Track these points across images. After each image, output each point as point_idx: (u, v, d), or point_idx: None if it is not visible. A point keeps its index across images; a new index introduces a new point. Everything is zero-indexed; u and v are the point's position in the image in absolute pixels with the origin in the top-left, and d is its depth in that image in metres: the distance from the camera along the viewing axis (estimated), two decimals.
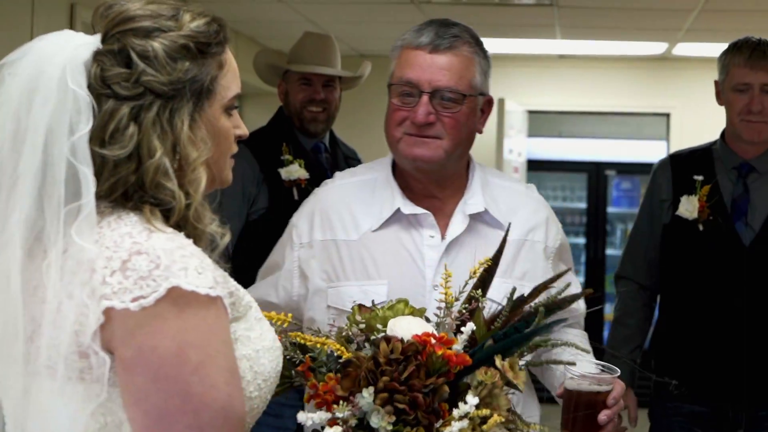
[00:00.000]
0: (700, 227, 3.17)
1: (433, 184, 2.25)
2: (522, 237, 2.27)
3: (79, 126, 1.36)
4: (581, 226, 9.17)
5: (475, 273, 1.85)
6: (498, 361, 1.64)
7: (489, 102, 2.30)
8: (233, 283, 1.48)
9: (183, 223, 1.44)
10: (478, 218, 2.25)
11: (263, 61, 3.87)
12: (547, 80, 7.86)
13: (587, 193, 9.08)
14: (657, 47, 7.17)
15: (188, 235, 1.43)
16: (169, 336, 1.33)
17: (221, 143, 1.52)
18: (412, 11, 5.99)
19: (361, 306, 1.81)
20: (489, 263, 1.86)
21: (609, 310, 4.42)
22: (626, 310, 3.41)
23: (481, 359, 1.65)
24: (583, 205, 9.14)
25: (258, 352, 1.48)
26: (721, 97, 3.23)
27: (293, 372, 1.74)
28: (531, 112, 7.55)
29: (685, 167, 3.28)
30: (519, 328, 1.71)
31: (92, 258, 1.35)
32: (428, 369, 1.59)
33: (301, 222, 2.32)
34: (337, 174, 2.42)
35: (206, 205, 1.48)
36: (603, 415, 1.89)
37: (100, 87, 1.40)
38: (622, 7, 5.84)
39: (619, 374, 1.94)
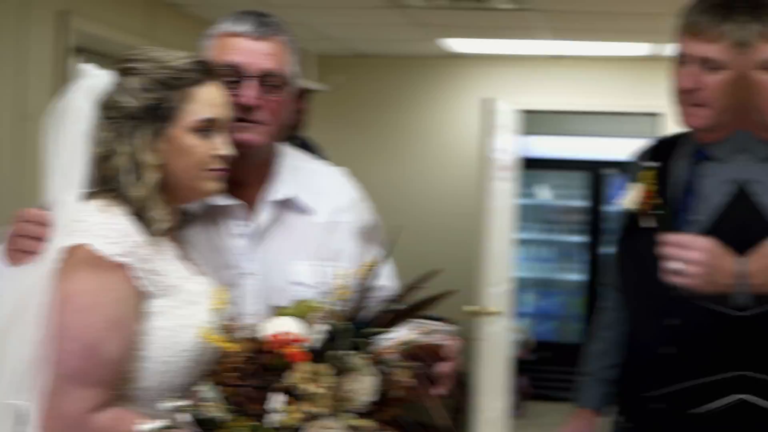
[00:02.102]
0: (641, 223, 2.49)
1: (249, 168, 2.23)
2: (331, 218, 2.32)
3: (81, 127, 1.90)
4: (582, 224, 9.24)
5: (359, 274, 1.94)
6: (303, 367, 1.74)
7: (300, 95, 2.33)
8: (164, 267, 1.90)
9: (140, 211, 1.89)
10: (288, 205, 2.28)
11: None
12: (539, 80, 7.90)
13: (588, 191, 9.16)
14: (646, 48, 7.23)
15: (145, 220, 1.89)
16: (68, 280, 1.82)
17: (186, 157, 1.95)
18: (396, 14, 6.15)
19: (278, 307, 1.94)
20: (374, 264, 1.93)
21: None
22: (603, 322, 2.85)
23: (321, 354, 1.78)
24: (583, 203, 9.21)
25: (181, 327, 1.88)
26: None
27: None
28: (524, 111, 7.59)
29: (659, 154, 2.63)
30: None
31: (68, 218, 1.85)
32: (270, 365, 1.75)
33: None
34: None
35: (158, 198, 1.92)
36: (444, 367, 1.94)
37: (102, 109, 1.92)
38: (600, 11, 5.92)
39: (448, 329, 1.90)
